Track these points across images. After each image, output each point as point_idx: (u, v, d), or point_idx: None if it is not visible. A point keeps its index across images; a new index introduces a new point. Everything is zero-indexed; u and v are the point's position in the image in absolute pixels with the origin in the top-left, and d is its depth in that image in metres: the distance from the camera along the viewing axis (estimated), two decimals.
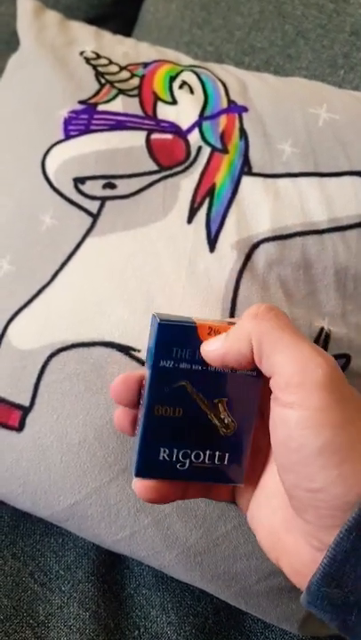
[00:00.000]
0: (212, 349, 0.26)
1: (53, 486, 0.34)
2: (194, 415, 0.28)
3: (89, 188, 0.37)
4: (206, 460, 0.28)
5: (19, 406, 0.34)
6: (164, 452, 0.28)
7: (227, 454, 0.28)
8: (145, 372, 0.29)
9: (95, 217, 0.37)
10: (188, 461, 0.28)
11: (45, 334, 0.35)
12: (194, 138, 0.38)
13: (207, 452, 0.28)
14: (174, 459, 0.28)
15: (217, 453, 0.28)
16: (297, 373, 0.23)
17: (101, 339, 0.34)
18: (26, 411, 0.34)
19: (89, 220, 0.37)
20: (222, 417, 0.28)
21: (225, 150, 0.37)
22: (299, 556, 0.25)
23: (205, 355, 0.27)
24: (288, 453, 0.24)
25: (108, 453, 0.33)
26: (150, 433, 0.28)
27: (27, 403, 0.34)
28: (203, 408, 0.28)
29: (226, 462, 0.28)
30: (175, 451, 0.28)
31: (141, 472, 0.28)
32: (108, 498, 0.34)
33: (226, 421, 0.28)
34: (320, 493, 0.22)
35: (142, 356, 0.34)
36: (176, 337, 0.27)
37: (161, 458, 0.28)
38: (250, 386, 0.27)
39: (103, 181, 0.37)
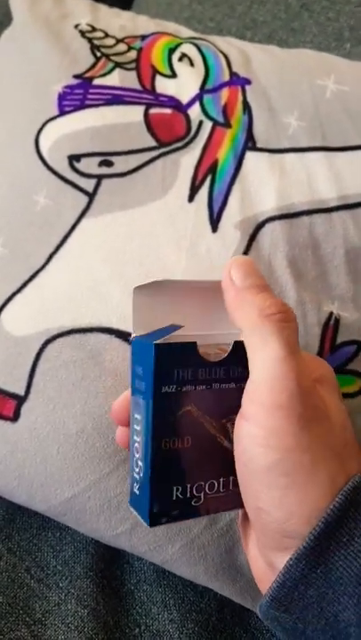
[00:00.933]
0: (236, 277, 0.24)
1: (50, 479, 0.33)
2: (203, 442, 0.25)
3: (84, 165, 0.35)
4: (221, 489, 0.26)
5: (13, 395, 0.33)
6: (177, 490, 0.25)
7: (231, 477, 0.26)
8: (130, 396, 0.26)
9: (91, 196, 0.35)
10: (202, 494, 0.25)
11: (40, 320, 0.33)
12: (194, 112, 0.36)
13: (221, 480, 0.25)
14: (188, 495, 0.25)
15: (231, 478, 0.26)
16: (263, 388, 0.22)
17: (99, 324, 0.32)
18: (21, 400, 0.33)
19: (85, 199, 0.35)
20: (232, 437, 0.25)
21: (228, 124, 0.35)
22: (256, 564, 0.25)
23: (229, 273, 0.24)
24: (240, 466, 0.23)
25: (108, 444, 0.32)
26: (161, 473, 0.24)
27: (22, 392, 0.33)
28: (212, 432, 0.25)
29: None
30: (188, 486, 0.25)
31: (156, 521, 0.25)
32: (107, 490, 0.32)
33: (227, 442, 0.25)
34: (263, 513, 0.22)
35: None
36: (176, 357, 0.24)
37: (175, 498, 0.25)
38: None
39: (99, 158, 0.35)
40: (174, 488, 0.25)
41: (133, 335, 0.26)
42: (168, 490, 0.24)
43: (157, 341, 0.24)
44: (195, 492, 0.25)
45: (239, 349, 0.24)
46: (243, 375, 0.24)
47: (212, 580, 0.34)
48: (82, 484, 0.32)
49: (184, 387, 0.24)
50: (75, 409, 0.32)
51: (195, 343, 0.24)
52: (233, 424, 0.24)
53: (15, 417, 0.33)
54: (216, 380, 0.25)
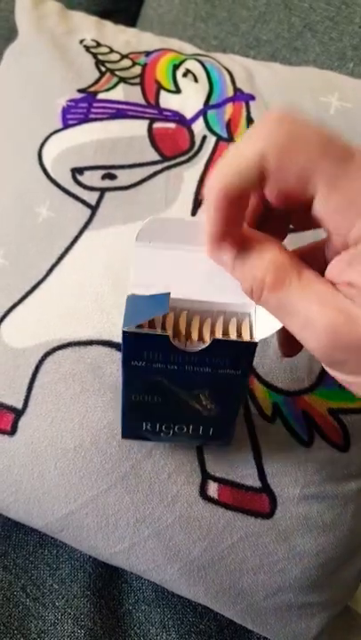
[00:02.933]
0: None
1: (47, 494, 0.32)
2: (174, 400, 0.26)
3: (87, 178, 0.35)
4: (190, 431, 0.28)
5: (11, 409, 0.32)
6: (147, 425, 0.28)
7: (211, 428, 0.28)
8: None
9: (94, 209, 0.35)
10: (171, 431, 0.28)
11: (40, 332, 0.33)
12: (198, 127, 0.36)
13: (190, 426, 0.28)
14: (157, 430, 0.28)
15: (200, 427, 0.28)
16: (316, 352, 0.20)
17: (99, 337, 0.32)
18: (19, 413, 0.32)
19: (87, 212, 0.35)
20: (204, 404, 0.26)
21: (231, 139, 0.35)
22: None
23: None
24: None
25: (106, 459, 0.31)
26: (130, 413, 0.28)
27: (20, 405, 0.32)
28: (183, 397, 0.26)
29: (211, 434, 0.28)
30: (157, 425, 0.28)
31: (127, 435, 0.29)
32: (105, 507, 0.32)
33: (208, 407, 0.26)
34: None
35: None
36: (147, 343, 0.24)
37: (144, 429, 0.28)
38: (232, 380, 0.25)
39: (102, 172, 0.35)
40: (144, 424, 0.28)
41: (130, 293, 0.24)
42: (138, 423, 0.28)
43: (127, 329, 0.23)
44: (164, 428, 0.28)
45: (219, 345, 0.23)
46: (219, 364, 0.24)
47: (213, 601, 0.33)
48: (79, 501, 0.32)
49: (154, 364, 0.24)
50: (73, 423, 0.32)
51: (167, 337, 0.23)
52: (205, 395, 0.25)
53: (13, 431, 0.32)
54: (190, 364, 0.24)
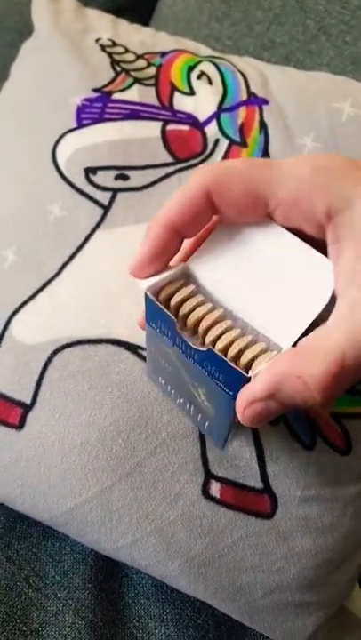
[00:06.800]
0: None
1: (53, 488, 0.33)
2: (179, 377, 0.26)
3: (100, 178, 0.36)
4: (191, 412, 0.29)
5: (20, 403, 0.33)
6: (162, 380, 0.30)
7: (207, 422, 0.29)
8: None
9: (106, 209, 0.35)
10: (178, 400, 0.30)
11: (50, 329, 0.33)
12: (211, 130, 0.36)
13: (191, 408, 0.29)
14: (168, 390, 0.30)
15: (199, 415, 0.29)
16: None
17: (109, 336, 0.33)
18: (27, 408, 0.33)
19: (99, 211, 0.35)
20: (201, 399, 0.26)
21: (244, 143, 0.36)
22: None
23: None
24: None
25: (111, 456, 0.32)
26: (150, 362, 0.30)
27: (28, 400, 0.33)
28: (185, 379, 0.26)
29: (206, 427, 0.29)
30: (168, 386, 0.30)
31: (151, 378, 0.31)
32: (109, 503, 0.32)
33: (204, 403, 0.26)
34: None
35: None
36: (159, 315, 0.23)
37: (160, 381, 0.30)
38: (223, 398, 0.23)
39: (115, 172, 0.36)
40: (160, 377, 0.30)
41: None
42: (155, 376, 0.31)
43: (148, 290, 0.24)
44: (172, 392, 0.30)
45: (213, 357, 0.22)
46: (214, 374, 0.23)
47: (211, 597, 0.34)
48: (84, 496, 0.32)
49: (165, 335, 0.24)
50: (80, 419, 0.32)
51: (174, 322, 0.23)
52: (202, 391, 0.25)
53: (20, 425, 0.33)
54: (190, 356, 0.23)
